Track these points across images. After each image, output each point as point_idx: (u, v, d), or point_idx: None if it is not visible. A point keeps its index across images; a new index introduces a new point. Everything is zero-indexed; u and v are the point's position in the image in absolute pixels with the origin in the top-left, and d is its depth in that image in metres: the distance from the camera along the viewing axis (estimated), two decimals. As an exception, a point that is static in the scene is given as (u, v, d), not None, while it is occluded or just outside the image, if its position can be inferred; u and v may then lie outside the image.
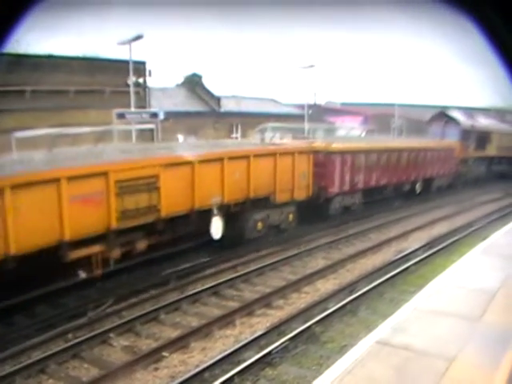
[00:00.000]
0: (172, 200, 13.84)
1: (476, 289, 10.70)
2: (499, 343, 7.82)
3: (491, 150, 38.75)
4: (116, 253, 12.79)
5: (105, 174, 12.10)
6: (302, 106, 43.12)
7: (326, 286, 14.05)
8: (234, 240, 16.67)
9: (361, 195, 23.37)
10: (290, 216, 18.87)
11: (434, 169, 30.15)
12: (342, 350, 9.33)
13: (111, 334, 10.47)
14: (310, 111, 43.38)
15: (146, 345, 10.19)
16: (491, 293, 10.38)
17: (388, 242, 18.96)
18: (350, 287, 13.52)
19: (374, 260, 16.73)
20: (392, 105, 53.44)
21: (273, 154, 17.79)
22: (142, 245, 13.56)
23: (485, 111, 57.43)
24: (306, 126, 36.30)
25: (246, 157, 16.49)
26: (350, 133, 35.78)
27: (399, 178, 26.36)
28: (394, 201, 26.73)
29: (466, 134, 35.60)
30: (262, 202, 17.43)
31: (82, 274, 12.18)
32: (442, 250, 17.59)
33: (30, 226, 10.47)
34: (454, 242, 18.72)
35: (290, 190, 18.52)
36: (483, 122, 39.57)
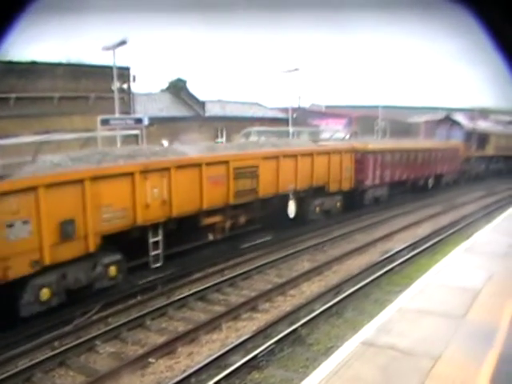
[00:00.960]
0: (265, 185, 18.11)
1: (460, 287, 10.82)
2: (483, 341, 7.91)
3: (490, 150, 42.94)
4: (228, 224, 17.02)
5: (227, 162, 16.37)
6: (286, 110, 43.25)
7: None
8: (301, 220, 20.34)
9: (387, 188, 27.42)
10: (338, 204, 22.97)
11: (443, 167, 34.05)
12: (328, 351, 9.36)
13: (97, 341, 10.47)
14: (295, 114, 43.52)
15: (132, 351, 10.21)
16: (475, 291, 10.50)
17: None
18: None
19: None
20: (376, 107, 53.81)
21: (327, 153, 22.07)
22: (242, 219, 17.63)
23: (469, 111, 58.42)
24: (291, 129, 36.43)
25: (311, 154, 20.83)
26: (334, 135, 36.79)
27: (416, 174, 30.48)
28: (412, 194, 30.62)
29: (468, 135, 39.74)
30: (319, 191, 21.47)
31: (210, 237, 16.60)
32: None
33: (184, 197, 14.71)
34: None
35: (338, 182, 22.64)
36: (483, 124, 43.73)
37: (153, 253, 14.13)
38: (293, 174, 19.53)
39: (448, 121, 42.00)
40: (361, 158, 24.42)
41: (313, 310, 11.80)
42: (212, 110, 40.72)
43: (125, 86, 33.22)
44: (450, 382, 6.68)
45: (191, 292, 13.35)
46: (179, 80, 43.05)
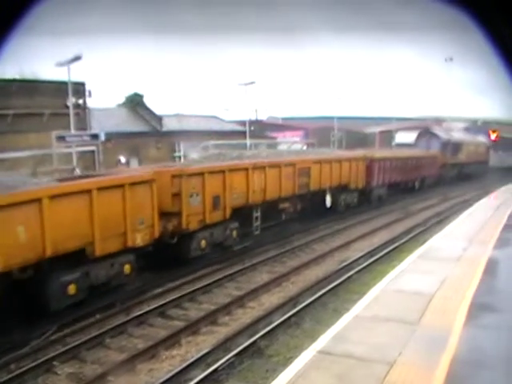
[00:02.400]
0: (314, 181, 24.53)
1: (414, 293, 11.07)
2: (437, 344, 8.09)
3: (462, 157, 50.10)
4: (292, 208, 23.44)
5: (294, 164, 23.21)
6: (243, 123, 43.49)
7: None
8: (333, 210, 27.05)
9: (386, 189, 33.73)
10: (355, 199, 29.61)
11: (425, 171, 40.65)
12: (288, 362, 9.38)
13: (55, 362, 10.32)
14: (252, 127, 43.82)
15: (91, 370, 10.10)
16: (428, 296, 10.76)
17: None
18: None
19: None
20: (331, 118, 54.61)
21: (349, 160, 28.84)
22: (299, 206, 23.83)
23: (420, 121, 60.49)
24: (248, 141, 36.66)
25: (340, 161, 27.64)
26: (291, 147, 37.79)
27: (407, 178, 37.11)
28: (403, 194, 36.71)
29: (444, 145, 47.31)
30: (344, 188, 27.87)
31: (283, 216, 23.15)
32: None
33: (271, 187, 21.23)
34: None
35: (356, 182, 29.17)
36: (456, 135, 51.04)
37: (255, 224, 20.69)
38: (329, 175, 26.06)
39: (427, 133, 49.75)
40: (369, 164, 30.78)
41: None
42: (169, 125, 40.63)
43: (80, 101, 32.88)
44: (405, 387, 6.83)
45: (150, 308, 13.28)
46: (136, 95, 42.86)
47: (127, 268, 14.13)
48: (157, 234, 15.17)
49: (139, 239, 14.48)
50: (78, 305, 12.76)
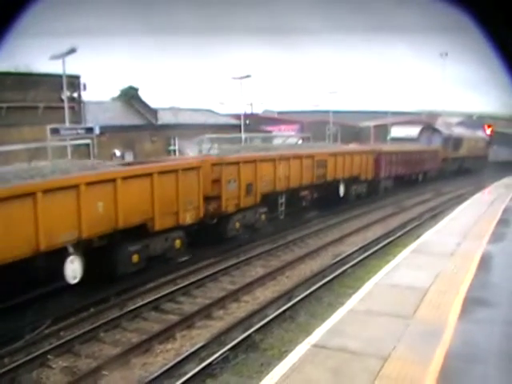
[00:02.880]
0: (330, 172, 26.81)
1: (409, 287, 11.10)
2: (430, 339, 8.11)
3: (462, 152, 51.74)
4: (310, 196, 25.78)
5: (313, 156, 25.43)
6: (239, 116, 43.42)
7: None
8: (345, 199, 29.62)
9: (392, 181, 35.88)
10: (365, 189, 31.79)
11: (427, 165, 42.62)
12: (282, 356, 9.39)
13: (49, 356, 10.31)
14: (248, 121, 43.76)
15: (85, 364, 10.09)
16: (423, 290, 10.79)
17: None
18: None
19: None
20: (326, 112, 54.59)
21: (360, 153, 31.38)
22: (316, 195, 26.18)
23: (415, 115, 60.86)
24: (243, 135, 36.62)
25: (352, 154, 30.09)
26: (286, 141, 37.93)
27: (411, 171, 39.31)
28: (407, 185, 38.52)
29: (445, 140, 48.92)
30: (355, 179, 30.05)
31: (304, 203, 25.54)
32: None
33: (294, 176, 23.60)
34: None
35: (365, 173, 31.27)
36: (456, 130, 52.87)
37: (280, 209, 23.18)
38: (342, 166, 28.09)
39: (429, 129, 51.35)
40: (377, 158, 32.80)
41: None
42: (164, 118, 40.49)
43: (75, 94, 32.72)
44: (399, 381, 6.84)
45: (144, 302, 13.28)
46: (131, 88, 42.65)
47: (178, 243, 16.49)
48: (201, 215, 17.48)
49: (188, 218, 16.79)
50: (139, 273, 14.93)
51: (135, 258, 14.68)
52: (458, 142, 51.03)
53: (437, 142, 48.57)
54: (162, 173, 15.60)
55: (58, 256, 12.38)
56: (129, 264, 14.53)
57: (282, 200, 23.08)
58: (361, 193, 31.18)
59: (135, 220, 14.64)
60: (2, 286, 10.72)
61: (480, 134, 58.60)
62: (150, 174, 15.13)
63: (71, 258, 12.67)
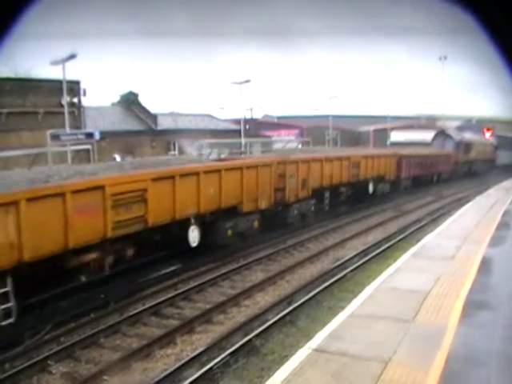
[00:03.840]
0: (362, 172, 30.43)
1: (409, 291, 11.10)
2: (431, 342, 8.11)
3: (472, 156, 55.74)
4: (345, 193, 29.19)
5: (349, 158, 29.10)
6: (238, 121, 43.48)
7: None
8: (374, 196, 33.36)
9: (411, 181, 39.70)
10: (388, 187, 35.13)
11: (441, 167, 46.67)
12: (283, 360, 9.37)
13: (50, 361, 10.29)
14: (247, 126, 43.83)
15: (86, 369, 10.08)
16: (423, 294, 10.79)
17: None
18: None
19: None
20: (326, 116, 54.68)
21: (386, 156, 35.13)
22: (350, 191, 29.79)
23: (414, 119, 61.20)
24: (243, 140, 36.68)
25: (379, 157, 33.98)
26: (286, 146, 38.17)
27: (427, 172, 43.11)
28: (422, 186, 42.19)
29: (457, 145, 53.10)
30: (381, 179, 33.48)
31: (342, 198, 29.03)
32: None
33: (336, 175, 27.34)
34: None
35: (389, 174, 34.90)
36: (467, 136, 56.68)
37: (325, 202, 26.84)
38: (372, 167, 31.76)
39: (442, 134, 55.62)
40: (399, 160, 36.43)
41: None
42: (164, 123, 40.59)
43: (75, 100, 32.81)
44: (400, 385, 6.84)
45: (145, 307, 13.27)
46: (131, 93, 42.77)
47: (256, 223, 20.23)
48: (272, 202, 21.38)
49: (263, 204, 20.62)
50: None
51: (230, 232, 18.66)
52: (468, 146, 55.15)
53: (449, 146, 52.88)
54: (248, 167, 19.78)
55: (185, 225, 16.46)
56: (225, 237, 18.52)
57: (327, 194, 26.97)
58: (385, 191, 34.88)
59: (231, 202, 18.62)
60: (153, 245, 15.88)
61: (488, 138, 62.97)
62: (241, 168, 19.32)
63: (192, 227, 16.73)
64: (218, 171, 17.91)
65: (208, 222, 17.58)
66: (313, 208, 25.08)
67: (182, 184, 15.90)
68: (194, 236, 16.76)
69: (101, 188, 13.08)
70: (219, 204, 17.80)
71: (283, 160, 22.91)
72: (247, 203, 19.43)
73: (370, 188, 32.09)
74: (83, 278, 13.00)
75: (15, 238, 10.82)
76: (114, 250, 13.73)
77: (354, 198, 30.56)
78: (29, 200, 11.06)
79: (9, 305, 10.79)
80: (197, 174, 16.84)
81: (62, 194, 11.96)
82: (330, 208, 27.51)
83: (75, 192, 12.29)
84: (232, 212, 18.77)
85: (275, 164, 21.97)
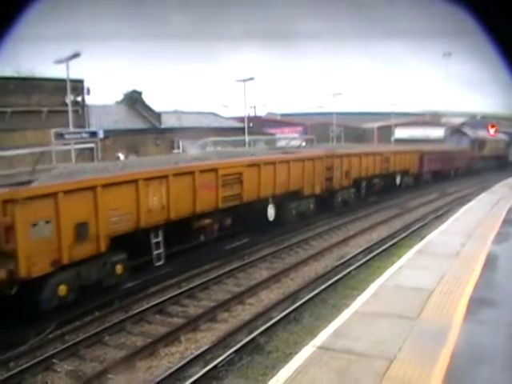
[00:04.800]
0: (392, 166, 33.73)
1: (414, 288, 11.07)
2: (436, 340, 8.07)
3: (486, 152, 58.79)
4: (378, 184, 32.48)
5: (382, 153, 32.62)
6: (242, 119, 43.45)
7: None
8: (400, 186, 36.96)
9: (431, 175, 43.48)
10: (411, 180, 39.02)
11: (458, 163, 50.24)
12: (287, 358, 9.35)
13: (54, 360, 10.31)
14: (251, 124, 43.79)
15: (90, 368, 10.09)
16: (428, 291, 10.76)
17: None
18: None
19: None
20: (330, 114, 54.56)
21: (410, 152, 38.57)
22: (382, 183, 33.14)
23: (418, 116, 61.17)
24: (247, 138, 36.66)
25: (405, 153, 37.61)
26: (290, 143, 38.35)
27: (445, 167, 46.48)
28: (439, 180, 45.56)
29: (472, 142, 56.19)
30: (405, 172, 37.29)
31: (375, 188, 32.29)
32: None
33: (370, 168, 30.68)
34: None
35: (413, 168, 38.53)
36: (481, 133, 58.86)
37: (362, 191, 30.57)
38: (399, 162, 35.26)
39: (458, 132, 59.33)
40: (421, 156, 40.02)
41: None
42: (168, 122, 40.60)
43: (79, 98, 32.84)
44: (405, 383, 6.81)
45: (149, 305, 13.28)
46: (134, 92, 42.79)
47: (312, 206, 24.45)
48: (324, 189, 25.38)
49: (317, 189, 24.72)
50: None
51: (294, 212, 22.93)
52: (482, 143, 58.31)
53: (465, 143, 55.86)
54: (308, 159, 24.22)
55: (264, 203, 20.80)
56: (291, 215, 22.82)
57: (364, 184, 30.55)
58: (409, 183, 38.74)
59: (295, 187, 22.83)
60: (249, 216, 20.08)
61: (501, 136, 64.77)
62: (302, 160, 23.74)
63: (270, 205, 21.05)
64: (288, 162, 22.44)
65: (279, 202, 21.77)
66: (353, 196, 29.32)
67: (264, 170, 20.40)
68: (271, 213, 21.21)
69: (215, 170, 17.64)
70: (288, 188, 22.23)
71: (331, 154, 26.91)
72: (307, 188, 23.83)
73: (397, 180, 36.25)
74: (202, 238, 17.54)
75: (165, 202, 15.25)
76: (220, 218, 18.20)
77: (384, 188, 34.09)
78: (174, 175, 15.57)
79: (160, 251, 15.34)
80: (274, 163, 21.29)
81: (192, 173, 16.50)
82: (365, 196, 31.45)
83: (201, 172, 16.87)
84: (295, 195, 23.06)
85: (325, 157, 25.89)
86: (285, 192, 21.91)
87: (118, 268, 13.72)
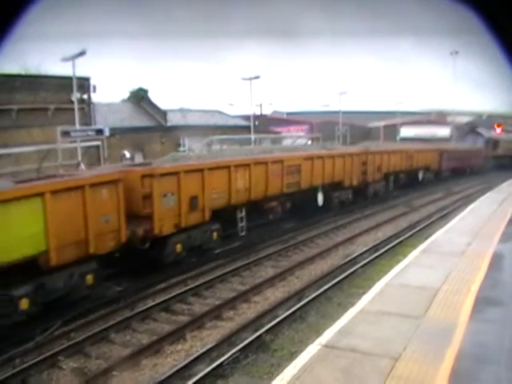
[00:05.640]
0: (415, 162, 37.57)
1: (419, 287, 11.05)
2: (441, 339, 8.05)
3: (500, 151, 62.40)
4: (403, 179, 36.67)
5: (407, 151, 37.08)
6: (248, 117, 43.41)
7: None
8: (422, 182, 40.93)
9: (449, 171, 46.83)
10: (431, 175, 42.90)
11: (473, 161, 53.86)
12: (293, 356, 9.35)
13: (60, 357, 10.33)
14: (257, 122, 43.75)
15: (96, 365, 10.12)
16: (434, 290, 10.74)
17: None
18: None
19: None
20: (336, 112, 54.46)
21: (430, 151, 42.50)
22: (405, 177, 36.85)
23: (424, 115, 61.20)
24: (253, 136, 36.65)
25: (424, 151, 41.19)
26: (295, 142, 38.41)
27: (461, 165, 49.75)
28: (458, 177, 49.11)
29: (486, 142, 60.28)
30: (427, 169, 41.31)
31: (401, 182, 36.09)
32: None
33: (398, 164, 35.30)
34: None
35: (434, 166, 42.60)
36: (494, 134, 63.23)
37: (391, 184, 34.41)
38: (421, 159, 39.29)
39: (474, 132, 62.61)
40: (440, 154, 43.91)
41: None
42: (173, 120, 40.59)
43: (85, 96, 32.82)
44: (410, 382, 6.79)
45: (155, 303, 13.29)
46: (140, 89, 42.76)
47: (350, 196, 28.41)
48: (360, 181, 29.24)
49: (355, 182, 28.59)
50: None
51: (335, 200, 26.83)
52: (496, 143, 62.19)
53: (480, 143, 59.71)
54: (348, 155, 28.02)
55: (315, 191, 25.12)
56: (334, 203, 26.73)
57: (392, 178, 34.23)
58: (430, 179, 42.53)
59: (338, 179, 26.72)
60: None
61: None
62: (344, 155, 27.53)
63: (319, 193, 25.27)
64: (333, 157, 26.20)
65: (326, 191, 25.79)
66: (383, 188, 32.91)
67: (316, 163, 24.44)
68: (320, 199, 25.38)
69: (281, 161, 21.89)
70: (333, 179, 26.11)
71: (365, 151, 30.41)
72: (347, 180, 27.69)
73: (420, 176, 40.15)
74: (271, 216, 22.08)
75: (248, 185, 19.37)
76: (283, 201, 22.26)
77: (409, 182, 37.78)
78: (254, 164, 19.86)
79: (243, 224, 19.79)
80: (322, 157, 25.29)
81: (266, 163, 20.70)
82: (393, 189, 35.21)
83: (272, 162, 21.10)
84: (338, 186, 26.93)
85: (361, 154, 29.52)
86: (330, 182, 26.00)
87: (215, 235, 17.71)
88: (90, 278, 12.80)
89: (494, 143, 61.68)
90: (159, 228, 15.13)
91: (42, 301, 11.54)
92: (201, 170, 16.99)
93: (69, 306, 12.36)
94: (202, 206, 16.90)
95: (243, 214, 19.66)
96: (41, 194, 11.61)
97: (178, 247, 15.91)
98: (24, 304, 11.14)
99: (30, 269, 11.42)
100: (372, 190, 31.21)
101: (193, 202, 16.42)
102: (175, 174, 16.01)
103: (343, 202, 27.60)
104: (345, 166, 27.13)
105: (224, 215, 18.37)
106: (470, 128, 64.34)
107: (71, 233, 12.21)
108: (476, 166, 55.24)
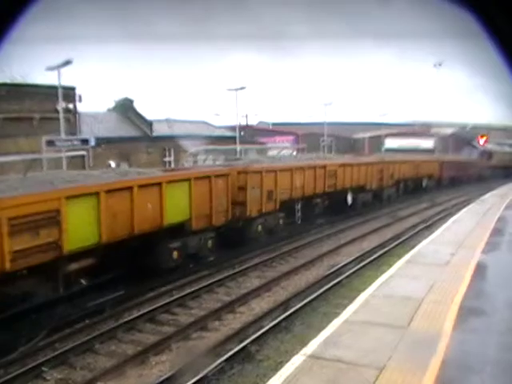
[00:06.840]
0: (420, 171, 43.55)
1: (404, 297, 11.12)
2: (426, 349, 8.12)
3: (494, 162, 67.17)
4: (411, 185, 42.72)
5: (414, 161, 42.79)
6: (234, 128, 43.51)
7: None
8: (426, 188, 46.12)
9: (449, 180, 51.57)
10: (432, 183, 47.42)
11: (470, 171, 58.91)
12: (278, 367, 9.34)
13: (44, 368, 10.24)
14: (242, 133, 43.86)
15: (80, 376, 10.04)
16: (418, 300, 10.82)
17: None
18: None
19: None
20: (321, 123, 54.76)
21: (431, 161, 47.42)
22: (413, 184, 43.55)
23: (408, 126, 62.01)
24: (238, 147, 36.73)
25: (429, 162, 47.39)
26: (281, 152, 38.68)
27: (460, 174, 54.86)
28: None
29: (481, 153, 65.29)
30: (429, 178, 46.32)
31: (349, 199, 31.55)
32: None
33: (409, 172, 41.63)
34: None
35: (435, 174, 47.64)
36: (489, 146, 67.80)
37: (400, 190, 38.78)
38: (424, 168, 44.05)
39: (469, 145, 67.09)
40: (441, 164, 49.13)
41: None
42: (159, 130, 40.52)
43: (70, 106, 32.71)
44: (394, 392, 6.85)
45: (140, 313, 13.23)
46: (126, 99, 42.64)
47: (370, 198, 33.42)
48: (378, 186, 33.96)
49: (374, 186, 32.99)
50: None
51: (360, 201, 31.27)
52: (490, 154, 67.29)
53: (475, 154, 64.63)
54: (368, 164, 32.62)
55: (345, 192, 29.36)
56: (359, 203, 31.20)
57: (401, 185, 39.30)
58: (432, 186, 46.92)
59: (361, 183, 31.27)
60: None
61: (507, 148, 73.68)
62: (366, 164, 32.25)
63: (349, 194, 29.40)
64: (359, 165, 31.23)
65: (353, 192, 30.02)
66: (395, 193, 37.82)
67: (346, 169, 29.20)
68: (349, 199, 29.67)
69: (324, 167, 26.93)
70: (358, 183, 30.68)
71: (381, 161, 35.08)
72: (368, 184, 32.27)
73: (424, 183, 44.96)
74: (316, 211, 26.73)
75: (302, 184, 24.59)
76: (324, 199, 27.37)
77: (415, 188, 42.39)
78: (308, 168, 25.16)
79: (299, 214, 25.01)
80: (352, 165, 30.21)
81: (314, 167, 25.99)
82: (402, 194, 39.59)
83: (318, 167, 26.28)
84: (361, 189, 31.44)
85: (378, 163, 34.09)
86: (356, 185, 30.50)
87: (281, 221, 23.01)
88: (210, 243, 17.96)
89: (488, 155, 67.14)
90: (250, 211, 20.32)
91: (184, 254, 16.45)
92: (275, 171, 22.36)
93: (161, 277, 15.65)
94: (275, 197, 22.12)
95: (299, 206, 24.97)
96: (188, 180, 16.89)
97: (259, 228, 21.22)
98: (175, 254, 16.05)
99: (178, 231, 16.51)
100: (386, 194, 36.03)
101: (269, 194, 21.61)
102: (259, 172, 21.34)
103: (365, 202, 32.40)
104: (367, 172, 32.06)
105: (287, 206, 23.61)
106: (467, 141, 68.73)
107: (203, 208, 17.42)
108: (473, 175, 60.09)
